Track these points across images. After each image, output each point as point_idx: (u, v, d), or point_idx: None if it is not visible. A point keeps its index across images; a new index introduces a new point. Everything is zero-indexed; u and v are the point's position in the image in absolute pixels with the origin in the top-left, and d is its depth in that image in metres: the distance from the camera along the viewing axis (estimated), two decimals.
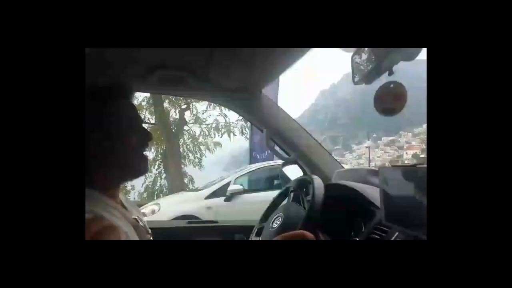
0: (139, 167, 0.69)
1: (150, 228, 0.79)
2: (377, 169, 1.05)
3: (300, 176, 1.11)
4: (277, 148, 1.30)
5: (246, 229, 1.36)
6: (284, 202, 1.04)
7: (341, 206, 0.98)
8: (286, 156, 1.31)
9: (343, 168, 1.23)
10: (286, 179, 1.44)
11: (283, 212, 0.92)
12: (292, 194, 1.05)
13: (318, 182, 0.89)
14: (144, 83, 1.03)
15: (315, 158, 1.27)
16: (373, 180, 1.04)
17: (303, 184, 1.08)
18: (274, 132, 1.23)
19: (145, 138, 0.70)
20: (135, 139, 0.68)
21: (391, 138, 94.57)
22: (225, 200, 4.14)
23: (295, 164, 1.30)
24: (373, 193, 0.89)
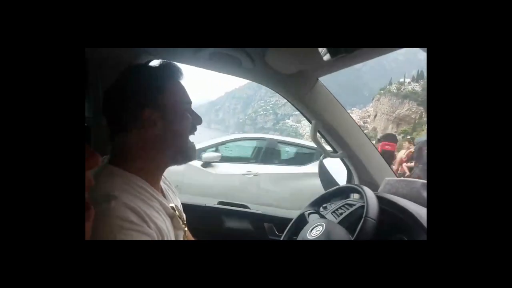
0: (190, 153, 0.67)
1: (181, 203, 0.78)
2: None
3: (339, 188, 1.04)
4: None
5: (276, 219, 1.32)
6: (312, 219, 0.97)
7: (386, 219, 0.88)
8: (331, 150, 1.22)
9: (395, 177, 1.10)
10: (324, 171, 1.36)
11: (324, 222, 0.85)
12: (310, 216, 0.97)
13: (372, 201, 0.79)
14: (194, 58, 0.99)
15: (366, 161, 1.15)
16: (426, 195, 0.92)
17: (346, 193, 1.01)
18: (323, 125, 1.14)
19: (197, 122, 0.68)
20: (190, 123, 0.66)
21: None
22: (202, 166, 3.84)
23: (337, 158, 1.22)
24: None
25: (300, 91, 1.10)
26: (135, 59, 0.96)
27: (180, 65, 0.69)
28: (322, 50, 0.71)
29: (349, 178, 1.25)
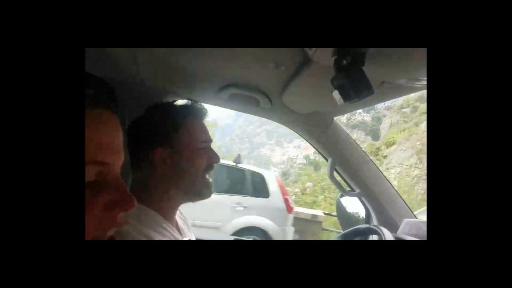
0: (203, 192, 0.67)
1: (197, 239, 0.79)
2: None
3: (359, 228, 1.02)
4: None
5: None
6: None
7: None
8: (348, 188, 1.21)
9: (414, 217, 1.07)
10: (342, 210, 1.33)
11: None
12: None
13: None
14: (216, 98, 1.05)
15: (383, 200, 1.14)
16: None
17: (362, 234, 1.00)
18: (340, 163, 1.15)
19: (213, 161, 0.69)
20: (205, 162, 0.67)
21: None
22: None
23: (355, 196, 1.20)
24: None
25: (316, 130, 1.13)
26: (161, 99, 1.03)
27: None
28: (335, 96, 0.74)
29: (368, 217, 1.22)
